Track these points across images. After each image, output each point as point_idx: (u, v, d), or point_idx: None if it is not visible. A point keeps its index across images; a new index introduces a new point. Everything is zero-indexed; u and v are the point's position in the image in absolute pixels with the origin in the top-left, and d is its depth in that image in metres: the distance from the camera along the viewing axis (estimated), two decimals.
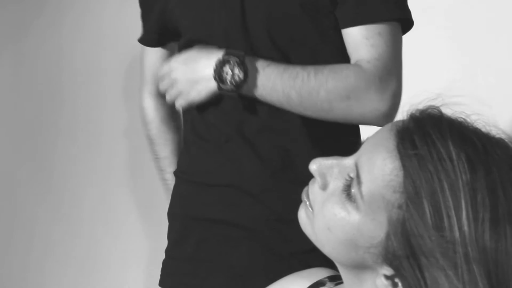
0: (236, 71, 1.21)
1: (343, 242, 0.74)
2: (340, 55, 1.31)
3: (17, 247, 2.65)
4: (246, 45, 1.27)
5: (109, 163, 2.49)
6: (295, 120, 1.28)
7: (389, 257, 0.71)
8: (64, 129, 2.56)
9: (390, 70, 1.23)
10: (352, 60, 1.26)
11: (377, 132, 0.76)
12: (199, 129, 1.34)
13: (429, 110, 0.73)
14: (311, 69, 1.23)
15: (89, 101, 2.52)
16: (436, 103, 0.75)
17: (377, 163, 0.72)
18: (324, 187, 0.77)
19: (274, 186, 1.30)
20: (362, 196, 0.72)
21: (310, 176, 1.29)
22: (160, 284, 1.38)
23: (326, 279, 0.91)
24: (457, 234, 0.66)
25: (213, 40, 1.28)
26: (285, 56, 1.27)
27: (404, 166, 0.69)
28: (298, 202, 1.29)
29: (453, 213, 0.66)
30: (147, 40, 1.44)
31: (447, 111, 0.74)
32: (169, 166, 1.46)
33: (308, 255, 1.09)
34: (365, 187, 0.72)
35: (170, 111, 1.47)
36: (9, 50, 2.60)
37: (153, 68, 1.43)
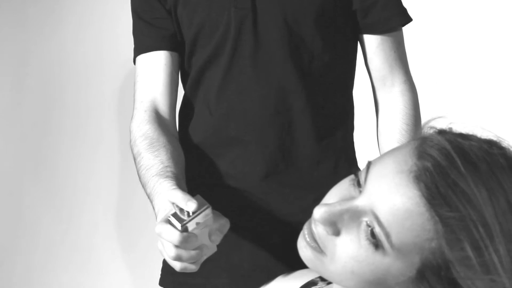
0: None
1: (370, 281, 0.73)
2: (345, 58, 1.34)
3: (21, 248, 2.65)
4: (255, 44, 1.27)
5: (111, 165, 2.50)
6: (299, 117, 1.29)
7: None
8: (67, 131, 2.56)
9: (410, 74, 1.37)
10: (381, 71, 1.33)
11: (386, 173, 0.72)
12: (202, 132, 1.35)
13: (435, 142, 0.72)
14: None
15: (91, 102, 2.52)
16: (434, 123, 0.75)
17: (402, 214, 0.69)
18: (337, 234, 0.73)
19: (277, 187, 1.31)
20: (392, 246, 0.70)
21: (311, 177, 1.30)
22: (160, 284, 1.38)
23: (318, 279, 0.90)
24: (499, 268, 0.66)
25: (222, 39, 1.29)
26: (293, 56, 1.28)
27: (438, 217, 0.68)
28: (299, 203, 1.31)
29: (491, 249, 0.66)
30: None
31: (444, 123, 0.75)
32: None
33: None
34: (395, 238, 0.69)
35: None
36: (11, 51, 2.60)
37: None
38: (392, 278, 0.71)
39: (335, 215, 0.73)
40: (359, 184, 0.75)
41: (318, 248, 0.75)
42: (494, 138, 0.73)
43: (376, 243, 0.70)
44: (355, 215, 0.72)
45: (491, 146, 0.71)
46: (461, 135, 0.73)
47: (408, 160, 0.71)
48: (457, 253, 0.67)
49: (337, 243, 0.73)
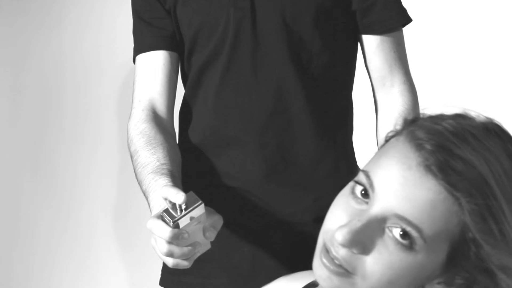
0: None
1: (408, 283, 0.73)
2: (344, 59, 1.34)
3: (19, 247, 2.65)
4: (254, 44, 1.27)
5: (110, 165, 2.50)
6: (298, 117, 1.30)
7: (456, 272, 0.72)
8: (66, 131, 2.56)
9: (409, 75, 1.36)
10: (380, 71, 1.33)
11: (394, 174, 0.72)
12: (201, 132, 1.35)
13: (425, 128, 0.73)
14: None
15: (90, 102, 2.52)
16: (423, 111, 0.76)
17: (428, 206, 0.70)
18: (364, 251, 0.72)
19: (276, 187, 1.31)
20: (425, 240, 0.70)
21: (311, 177, 1.30)
22: (160, 283, 1.39)
23: None
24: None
25: (221, 39, 1.29)
26: (292, 56, 1.28)
27: (460, 196, 0.69)
28: (299, 203, 1.31)
29: (505, 222, 0.69)
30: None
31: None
32: None
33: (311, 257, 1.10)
34: (427, 231, 0.70)
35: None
36: (9, 51, 2.60)
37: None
38: (427, 271, 0.72)
39: (359, 233, 0.71)
40: (363, 195, 0.74)
41: (345, 273, 0.73)
42: (461, 111, 0.75)
43: (409, 244, 0.70)
44: (376, 225, 0.71)
45: (465, 119, 0.73)
46: (434, 117, 0.74)
47: (410, 156, 0.71)
48: (481, 227, 0.69)
49: (366, 259, 0.72)
